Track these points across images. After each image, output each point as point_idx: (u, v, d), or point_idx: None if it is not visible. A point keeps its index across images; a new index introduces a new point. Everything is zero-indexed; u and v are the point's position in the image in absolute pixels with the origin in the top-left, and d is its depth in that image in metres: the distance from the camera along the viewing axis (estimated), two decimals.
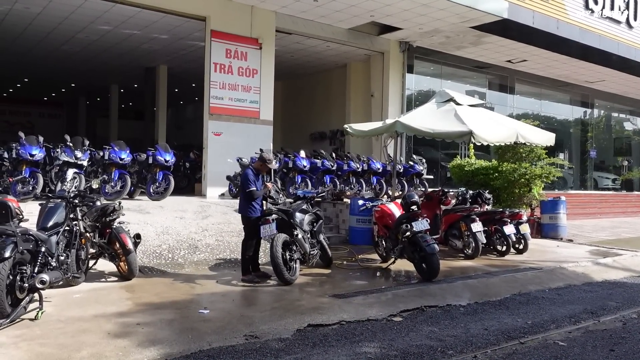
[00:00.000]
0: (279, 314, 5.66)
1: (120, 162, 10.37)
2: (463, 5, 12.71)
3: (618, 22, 17.54)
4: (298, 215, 7.41)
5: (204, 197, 12.65)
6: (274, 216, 7.07)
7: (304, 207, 7.68)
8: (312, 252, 7.46)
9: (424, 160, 14.47)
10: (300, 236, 7.16)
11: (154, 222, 9.03)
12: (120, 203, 7.23)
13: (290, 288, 6.82)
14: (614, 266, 9.41)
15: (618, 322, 6.09)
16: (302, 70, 19.32)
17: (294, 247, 7.15)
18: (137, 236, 7.03)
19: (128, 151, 10.64)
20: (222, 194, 12.87)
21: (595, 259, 9.75)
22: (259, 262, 7.61)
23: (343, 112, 17.92)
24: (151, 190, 10.61)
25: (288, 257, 7.00)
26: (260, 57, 13.63)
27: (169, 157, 10.75)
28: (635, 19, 18.17)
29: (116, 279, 6.99)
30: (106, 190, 10.20)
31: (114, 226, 6.89)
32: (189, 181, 15.43)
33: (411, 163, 13.96)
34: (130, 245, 6.69)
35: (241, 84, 13.37)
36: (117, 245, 6.78)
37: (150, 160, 10.90)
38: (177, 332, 5.01)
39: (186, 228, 9.07)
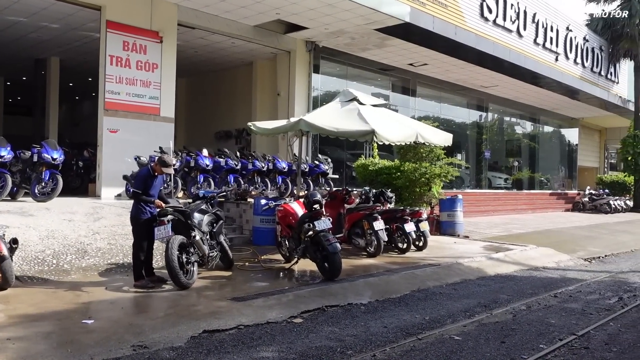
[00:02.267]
0: (172, 321, 5.32)
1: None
2: (367, 7, 12.89)
3: (510, 30, 18.68)
4: (196, 215, 7.07)
5: (99, 198, 11.87)
6: (169, 217, 6.68)
7: (203, 207, 7.35)
8: (211, 254, 7.14)
9: (329, 160, 14.52)
10: (198, 238, 6.82)
11: (37, 225, 8.27)
12: None
13: (187, 292, 6.47)
14: (505, 260, 9.90)
15: (509, 314, 6.35)
16: (207, 67, 18.79)
17: (192, 249, 6.80)
18: (14, 241, 6.35)
19: (9, 148, 9.68)
20: (119, 195, 12.14)
21: (489, 254, 10.21)
22: (155, 265, 7.20)
23: (249, 110, 17.63)
24: (36, 191, 9.75)
25: (185, 259, 6.64)
26: (160, 51, 13.02)
27: (56, 155, 9.93)
28: (524, 28, 19.45)
29: None
30: None
31: None
32: (82, 181, 14.44)
33: (317, 162, 13.95)
34: (4, 251, 6.03)
35: (140, 79, 12.69)
36: None
37: (36, 158, 10.00)
38: (54, 346, 4.54)
39: (75, 231, 8.41)
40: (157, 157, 7.05)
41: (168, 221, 6.59)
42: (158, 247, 7.71)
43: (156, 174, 6.91)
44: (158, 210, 6.71)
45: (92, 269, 7.55)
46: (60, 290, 6.38)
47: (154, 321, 5.33)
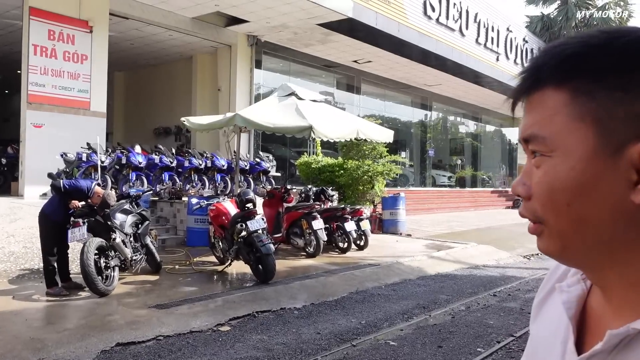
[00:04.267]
0: (81, 334, 4.80)
1: None
2: (308, 0, 12.56)
3: (452, 29, 18.81)
4: (118, 216, 6.53)
5: (21, 198, 11.05)
6: (85, 218, 6.12)
7: (126, 207, 6.81)
8: (135, 258, 6.62)
9: (271, 157, 14.13)
10: (118, 240, 6.29)
11: None
12: None
13: (105, 300, 5.93)
14: (446, 259, 9.79)
15: (447, 315, 6.16)
16: (144, 61, 18.00)
17: (112, 253, 6.27)
18: None
19: None
20: (44, 194, 11.31)
21: (430, 253, 10.08)
22: (74, 270, 6.61)
23: (189, 106, 17.00)
24: None
25: (103, 264, 6.10)
26: (91, 41, 12.27)
27: None
28: (467, 28, 19.64)
29: None
30: None
31: None
32: (5, 179, 13.47)
33: (258, 160, 13.52)
34: None
35: (67, 71, 11.92)
36: None
37: None
38: None
39: None
40: (104, 193, 6.43)
41: (84, 222, 6.04)
42: (78, 250, 7.11)
43: (90, 200, 6.33)
44: (73, 209, 6.15)
45: (2, 275, 6.86)
46: None
47: (60, 334, 4.79)
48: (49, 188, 11.16)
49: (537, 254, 11.38)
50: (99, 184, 6.86)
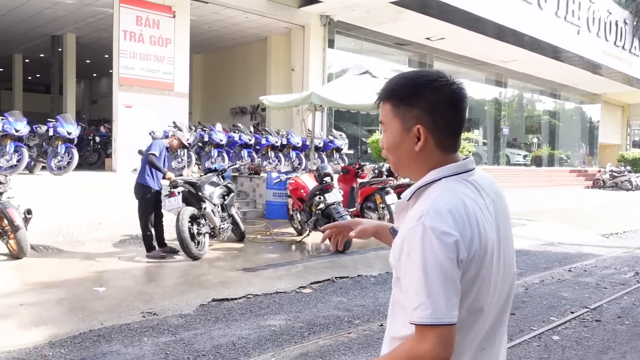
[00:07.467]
0: (181, 290, 5.38)
1: (16, 133, 9.51)
2: None
3: (530, 3, 18.18)
4: (207, 187, 7.09)
5: (115, 172, 11.99)
6: (180, 189, 6.71)
7: (214, 179, 7.37)
8: (222, 226, 7.18)
9: (344, 136, 14.44)
10: (208, 209, 6.85)
11: (54, 198, 8.38)
12: (7, 176, 6.61)
13: (198, 263, 6.53)
14: (520, 235, 9.76)
15: (520, 287, 6.29)
16: (221, 43, 18.69)
17: (203, 221, 6.85)
18: (28, 212, 6.45)
19: (25, 122, 9.78)
20: (135, 169, 12.22)
21: None
22: (167, 237, 7.26)
23: (264, 86, 17.51)
24: (52, 165, 9.83)
25: (196, 231, 6.69)
26: (174, 26, 12.96)
27: (72, 129, 10.00)
28: (545, 1, 18.91)
29: (5, 258, 6.42)
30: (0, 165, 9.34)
31: (1, 201, 6.29)
32: (99, 156, 14.56)
33: (331, 138, 13.87)
34: (18, 221, 6.13)
35: (153, 54, 12.66)
36: (5, 222, 6.20)
37: (51, 133, 10.09)
38: (65, 311, 4.62)
39: (90, 204, 8.51)
40: (175, 135, 7.08)
41: (179, 193, 6.63)
42: (172, 219, 7.77)
43: (170, 149, 6.93)
44: (169, 182, 6.75)
45: (107, 240, 7.65)
46: (74, 260, 6.49)
47: (164, 289, 5.40)
48: (140, 162, 12.12)
49: (617, 233, 11.11)
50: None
